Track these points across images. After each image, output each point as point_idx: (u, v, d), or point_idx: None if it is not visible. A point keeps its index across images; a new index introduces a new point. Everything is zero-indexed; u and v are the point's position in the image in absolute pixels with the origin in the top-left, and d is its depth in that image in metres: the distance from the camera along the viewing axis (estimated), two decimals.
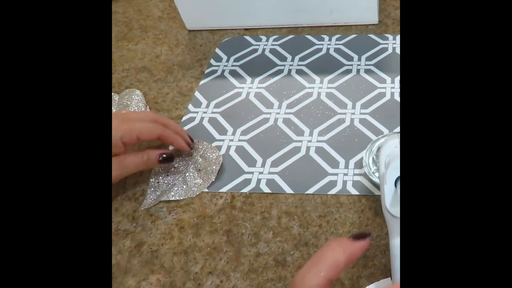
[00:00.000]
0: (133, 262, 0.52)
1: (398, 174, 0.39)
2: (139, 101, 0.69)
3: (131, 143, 0.56)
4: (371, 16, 0.78)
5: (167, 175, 0.59)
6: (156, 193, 0.57)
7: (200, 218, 0.55)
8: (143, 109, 0.68)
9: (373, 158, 0.57)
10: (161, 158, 0.57)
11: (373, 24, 0.79)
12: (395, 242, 0.40)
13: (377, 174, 0.55)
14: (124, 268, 0.51)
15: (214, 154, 0.61)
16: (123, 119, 0.56)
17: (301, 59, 0.75)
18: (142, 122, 0.57)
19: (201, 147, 0.62)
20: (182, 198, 0.57)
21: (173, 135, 0.58)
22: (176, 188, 0.58)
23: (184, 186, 0.58)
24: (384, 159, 0.46)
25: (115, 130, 0.54)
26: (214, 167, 0.59)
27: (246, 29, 0.82)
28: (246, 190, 0.57)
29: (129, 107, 0.68)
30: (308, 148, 0.61)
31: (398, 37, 0.76)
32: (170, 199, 0.57)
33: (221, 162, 0.60)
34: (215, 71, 0.74)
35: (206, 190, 0.58)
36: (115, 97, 0.71)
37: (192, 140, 0.61)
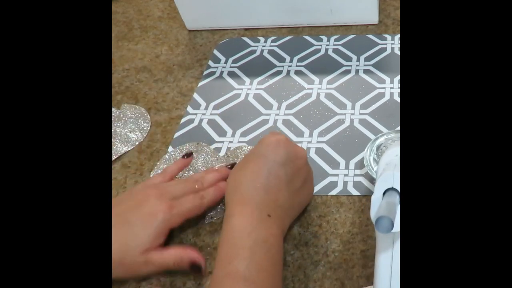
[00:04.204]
0: None
1: (388, 186, 0.38)
2: (138, 117, 0.68)
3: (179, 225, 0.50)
4: (371, 16, 0.78)
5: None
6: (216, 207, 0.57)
7: (200, 218, 0.55)
8: (144, 126, 0.67)
9: (373, 157, 0.57)
10: (193, 267, 0.48)
11: (373, 24, 0.80)
12: (380, 259, 0.37)
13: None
14: None
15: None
16: (166, 199, 0.49)
17: (299, 60, 0.75)
18: (186, 199, 0.50)
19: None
20: None
21: (218, 193, 0.53)
22: None
23: None
24: (383, 167, 0.44)
25: (165, 219, 0.47)
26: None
27: (246, 29, 0.82)
28: None
29: (128, 122, 0.67)
30: (308, 149, 0.61)
31: (396, 37, 0.77)
32: None
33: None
34: (213, 73, 0.74)
35: None
36: (115, 111, 0.69)
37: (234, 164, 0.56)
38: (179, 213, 0.49)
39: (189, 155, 0.57)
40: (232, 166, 0.56)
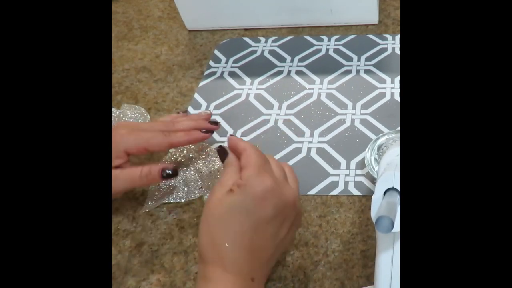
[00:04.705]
0: (133, 262, 0.52)
1: (389, 185, 0.38)
2: (138, 117, 0.68)
3: (138, 154, 0.53)
4: (371, 16, 0.78)
5: None
6: (157, 195, 0.57)
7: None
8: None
9: (375, 157, 0.57)
10: (164, 174, 0.52)
11: (373, 24, 0.80)
12: (380, 259, 0.37)
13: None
14: (124, 268, 0.51)
15: (216, 159, 0.61)
16: (131, 128, 0.53)
17: (300, 60, 0.75)
18: (150, 132, 0.53)
19: (203, 151, 0.62)
20: (183, 200, 0.57)
21: (185, 138, 0.54)
22: (176, 191, 0.58)
23: (185, 189, 0.58)
24: (384, 167, 0.44)
25: (120, 140, 0.51)
26: (217, 171, 0.59)
27: (246, 29, 0.82)
28: None
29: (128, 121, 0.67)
30: (309, 149, 0.61)
31: (397, 37, 0.77)
32: (171, 201, 0.57)
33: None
34: (214, 73, 0.74)
35: (207, 194, 0.57)
36: (115, 111, 0.69)
37: (216, 123, 0.58)
38: (137, 138, 0.52)
39: (215, 124, 0.59)
40: (213, 122, 0.58)
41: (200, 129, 0.56)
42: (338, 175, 0.58)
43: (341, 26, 0.80)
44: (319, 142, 0.62)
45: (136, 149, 0.52)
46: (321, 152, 0.61)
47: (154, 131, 0.53)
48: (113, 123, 0.66)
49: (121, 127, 0.53)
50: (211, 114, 0.59)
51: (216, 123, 0.58)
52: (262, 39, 0.79)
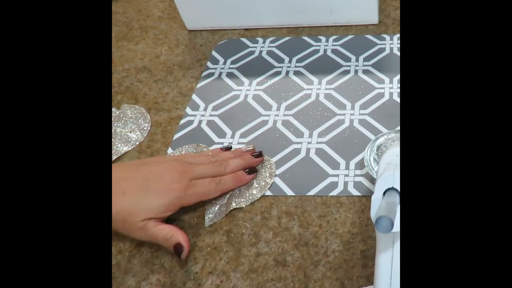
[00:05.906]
0: (133, 262, 0.52)
1: (388, 185, 0.38)
2: (138, 117, 0.68)
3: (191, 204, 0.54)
4: (371, 16, 0.79)
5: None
6: (215, 208, 0.56)
7: (200, 218, 0.55)
8: (144, 126, 0.67)
9: (374, 157, 0.57)
10: (175, 249, 0.50)
11: (373, 24, 0.80)
12: (380, 259, 0.37)
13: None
14: (124, 268, 0.51)
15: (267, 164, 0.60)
16: (187, 183, 0.52)
17: (298, 61, 0.75)
18: (204, 182, 0.53)
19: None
20: (243, 205, 0.56)
21: (234, 184, 0.56)
22: (235, 199, 0.57)
23: (244, 194, 0.57)
24: (383, 167, 0.44)
25: (179, 197, 0.51)
26: (268, 179, 0.59)
27: (246, 30, 0.82)
28: None
29: (128, 122, 0.67)
30: (308, 150, 0.61)
31: (395, 37, 0.77)
32: (231, 208, 0.56)
33: (274, 173, 0.59)
34: (212, 74, 0.74)
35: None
36: (115, 111, 0.69)
37: (261, 155, 0.59)
38: (193, 194, 0.53)
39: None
40: (258, 154, 0.59)
41: (247, 167, 0.58)
42: (337, 175, 0.58)
43: (341, 26, 0.80)
44: (318, 142, 0.62)
45: (192, 203, 0.54)
46: (320, 152, 0.61)
47: (206, 178, 0.54)
48: (113, 123, 0.67)
49: (176, 176, 0.52)
50: (254, 148, 0.60)
51: (260, 154, 0.59)
52: (260, 40, 0.80)
